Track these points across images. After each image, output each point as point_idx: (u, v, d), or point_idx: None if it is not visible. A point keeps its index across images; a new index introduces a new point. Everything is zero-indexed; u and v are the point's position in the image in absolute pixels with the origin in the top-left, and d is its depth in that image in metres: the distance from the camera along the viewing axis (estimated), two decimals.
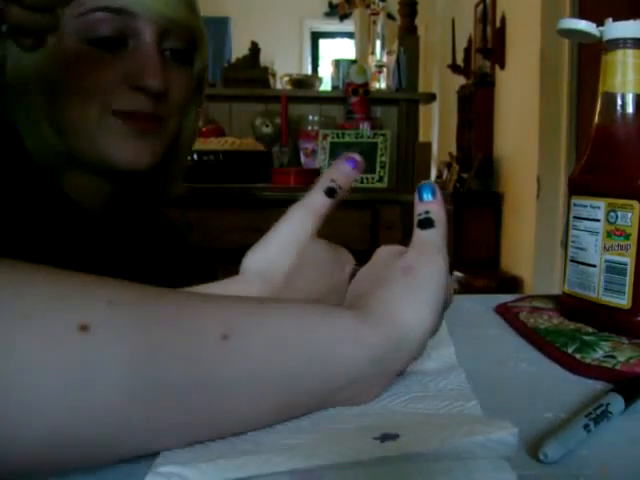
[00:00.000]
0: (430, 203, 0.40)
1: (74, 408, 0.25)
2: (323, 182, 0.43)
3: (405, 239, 0.42)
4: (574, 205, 0.56)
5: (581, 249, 0.55)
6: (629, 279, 0.51)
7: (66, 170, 0.66)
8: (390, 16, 3.22)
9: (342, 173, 0.44)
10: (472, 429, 0.29)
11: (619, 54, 0.52)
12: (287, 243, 0.42)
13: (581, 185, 0.56)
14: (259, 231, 0.43)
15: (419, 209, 0.40)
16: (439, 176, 4.66)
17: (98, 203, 0.69)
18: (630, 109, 0.53)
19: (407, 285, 0.36)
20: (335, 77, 2.60)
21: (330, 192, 0.43)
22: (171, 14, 0.64)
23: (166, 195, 0.79)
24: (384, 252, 0.42)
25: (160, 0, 0.63)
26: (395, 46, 2.62)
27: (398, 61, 2.48)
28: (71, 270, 0.33)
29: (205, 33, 0.72)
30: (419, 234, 0.39)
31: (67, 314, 0.26)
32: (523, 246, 3.44)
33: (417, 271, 0.37)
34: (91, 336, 0.26)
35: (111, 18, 0.61)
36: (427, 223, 0.39)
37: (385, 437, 0.29)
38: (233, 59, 2.66)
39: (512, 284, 3.51)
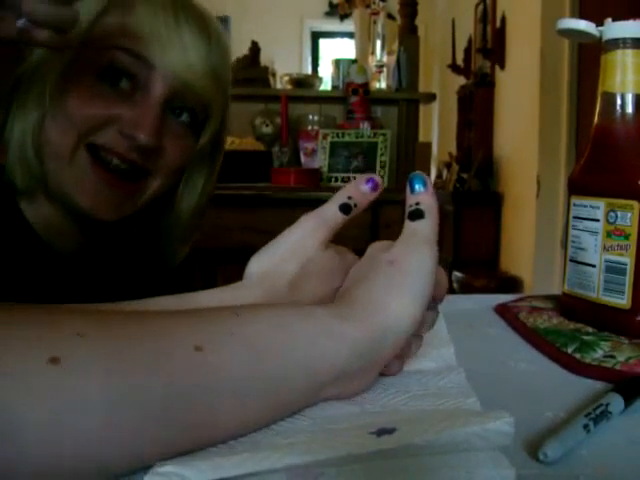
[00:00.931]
0: (421, 194, 0.40)
1: (56, 442, 0.25)
2: (340, 197, 0.43)
3: None
4: (574, 205, 0.56)
5: (581, 249, 0.55)
6: (629, 279, 0.51)
7: (40, 200, 0.63)
8: (390, 16, 3.23)
9: (360, 192, 0.43)
10: (468, 420, 0.29)
11: (618, 54, 0.52)
12: (294, 250, 0.42)
13: (581, 185, 0.56)
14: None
15: (410, 200, 0.40)
16: (439, 176, 4.66)
17: (71, 246, 0.66)
18: (630, 109, 0.53)
19: (391, 276, 0.36)
20: (335, 77, 2.60)
21: (345, 208, 0.42)
22: (189, 78, 0.62)
23: (167, 260, 0.75)
24: (375, 247, 0.42)
25: (183, 62, 0.61)
26: (395, 46, 2.62)
27: (398, 61, 2.48)
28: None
29: (224, 109, 0.69)
30: (408, 225, 0.39)
31: (36, 350, 0.26)
32: (523, 246, 3.44)
33: (402, 262, 0.37)
34: (63, 367, 0.25)
35: (129, 61, 0.60)
36: (417, 214, 0.39)
37: (381, 431, 0.29)
38: (233, 58, 2.66)
39: (512, 284, 3.51)
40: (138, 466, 0.28)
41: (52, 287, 0.64)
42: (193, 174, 0.71)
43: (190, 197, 0.72)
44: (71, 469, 0.26)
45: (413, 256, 0.37)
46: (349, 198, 0.43)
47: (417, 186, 0.40)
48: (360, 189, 0.43)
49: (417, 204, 0.39)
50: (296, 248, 0.42)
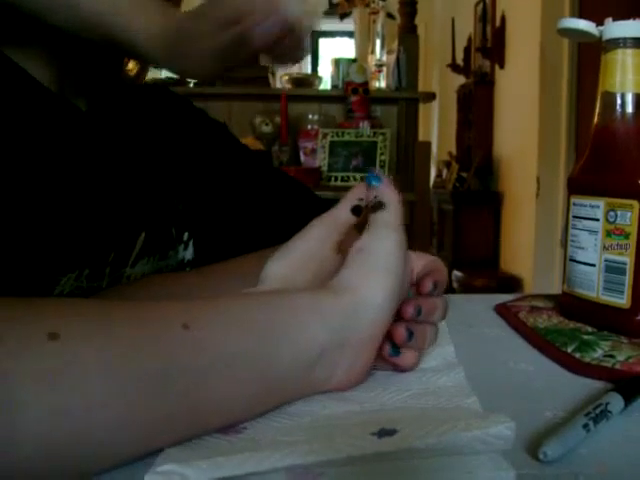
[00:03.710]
0: (379, 188, 0.41)
1: (57, 413, 0.26)
2: (350, 199, 0.43)
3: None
4: (574, 204, 0.56)
5: (580, 248, 0.55)
6: (628, 278, 0.51)
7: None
8: (390, 15, 3.22)
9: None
10: (469, 424, 0.29)
11: (619, 54, 0.52)
12: (309, 256, 0.42)
13: (581, 184, 0.56)
14: None
15: (369, 196, 0.41)
16: (439, 175, 4.66)
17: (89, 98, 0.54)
18: (629, 109, 0.53)
19: (359, 263, 0.38)
20: (335, 76, 2.60)
21: (356, 210, 0.43)
22: None
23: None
24: None
25: None
26: (395, 45, 2.62)
27: (398, 60, 2.48)
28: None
29: None
30: (371, 217, 0.40)
31: (36, 327, 0.27)
32: (522, 246, 3.44)
33: (368, 249, 0.38)
34: (62, 342, 0.26)
35: None
36: (377, 206, 0.40)
37: (382, 432, 0.29)
38: None
39: (511, 283, 3.51)
40: (141, 450, 0.28)
41: (72, 145, 0.52)
42: None
43: None
44: (72, 448, 0.26)
45: (378, 242, 0.38)
46: (360, 200, 0.43)
47: (374, 182, 0.41)
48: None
49: (376, 197, 0.40)
50: (312, 254, 0.42)
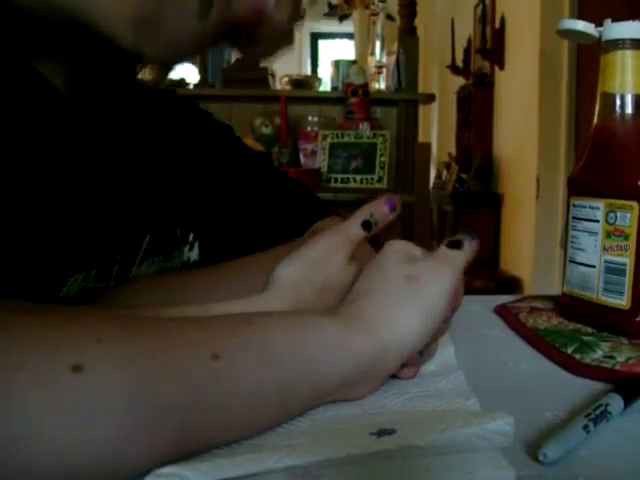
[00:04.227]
0: (469, 242, 0.42)
1: (79, 448, 0.26)
2: (362, 214, 0.43)
3: (404, 239, 0.42)
4: (573, 206, 0.56)
5: (580, 250, 0.55)
6: (628, 279, 0.51)
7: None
8: (389, 17, 3.23)
9: (381, 211, 0.44)
10: (468, 421, 0.29)
11: (618, 55, 0.52)
12: (321, 263, 0.42)
13: (580, 186, 0.56)
14: None
15: (458, 237, 0.41)
16: (438, 176, 4.66)
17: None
18: (629, 109, 0.53)
19: (405, 292, 0.37)
20: (335, 78, 2.60)
21: (367, 225, 0.43)
22: None
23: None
24: (393, 248, 0.42)
25: None
26: (395, 47, 2.62)
27: (397, 62, 2.48)
28: (56, 304, 0.32)
29: None
30: (442, 249, 0.40)
31: (59, 358, 0.26)
32: (522, 246, 3.44)
33: (420, 279, 0.37)
34: (86, 375, 0.26)
35: None
36: (456, 244, 0.40)
37: (382, 432, 0.29)
38: (233, 60, 2.66)
39: (511, 284, 3.51)
40: (152, 467, 0.28)
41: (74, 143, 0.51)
42: None
43: None
44: (88, 474, 0.26)
45: (434, 276, 0.38)
46: (371, 216, 0.43)
47: (467, 236, 0.42)
48: (380, 208, 0.44)
49: (460, 238, 0.41)
50: (323, 261, 0.42)
